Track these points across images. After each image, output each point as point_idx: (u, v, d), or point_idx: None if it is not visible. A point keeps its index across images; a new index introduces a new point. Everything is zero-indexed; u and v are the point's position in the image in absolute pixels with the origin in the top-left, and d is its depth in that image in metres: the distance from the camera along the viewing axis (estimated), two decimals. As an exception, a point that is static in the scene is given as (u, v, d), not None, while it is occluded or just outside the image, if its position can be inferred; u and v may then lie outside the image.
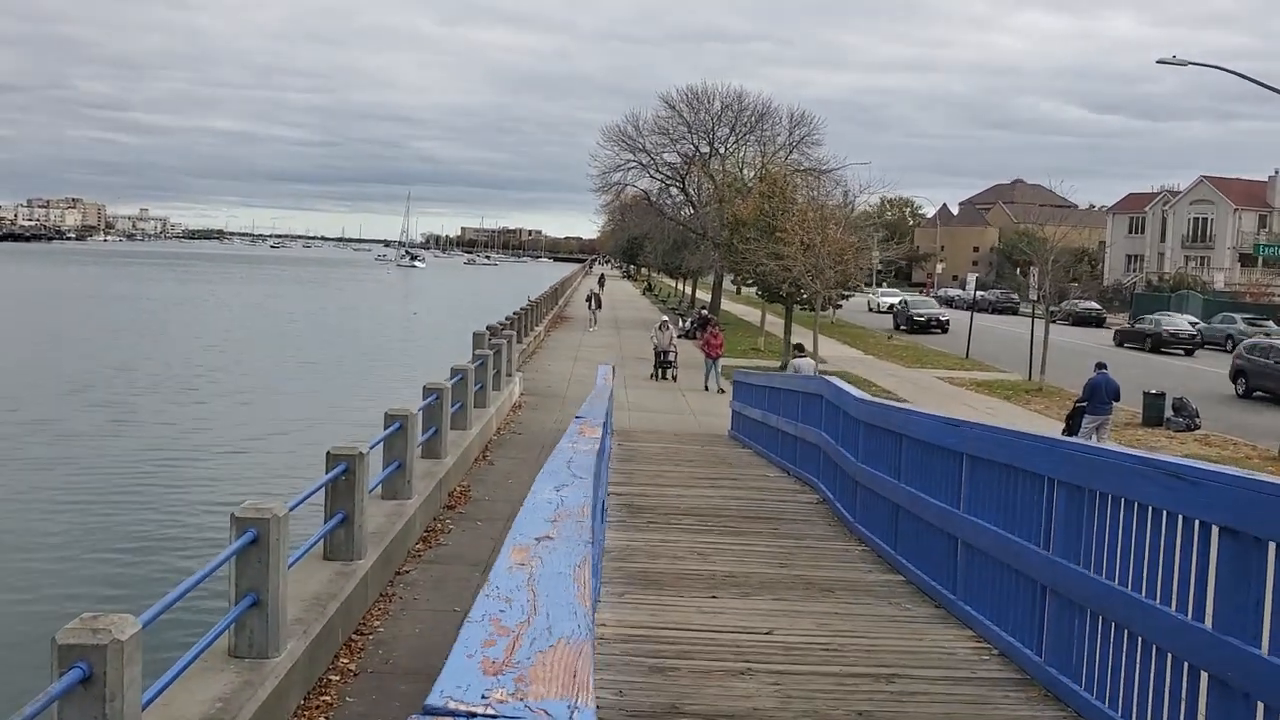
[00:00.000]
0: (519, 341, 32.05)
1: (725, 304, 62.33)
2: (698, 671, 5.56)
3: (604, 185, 57.16)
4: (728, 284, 60.23)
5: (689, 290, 71.70)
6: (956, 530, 7.05)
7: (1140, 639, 4.60)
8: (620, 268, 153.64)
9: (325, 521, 9.59)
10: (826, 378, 12.31)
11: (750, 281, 39.08)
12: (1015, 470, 6.11)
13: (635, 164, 56.22)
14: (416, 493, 12.09)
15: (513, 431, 19.63)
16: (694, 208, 56.54)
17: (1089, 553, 5.18)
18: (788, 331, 35.70)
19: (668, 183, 58.13)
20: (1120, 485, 4.85)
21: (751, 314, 59.11)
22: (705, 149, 55.22)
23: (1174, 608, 4.36)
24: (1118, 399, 20.20)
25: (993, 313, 70.70)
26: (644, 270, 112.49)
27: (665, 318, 32.94)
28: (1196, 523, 4.24)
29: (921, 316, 52.36)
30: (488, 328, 25.54)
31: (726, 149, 55.36)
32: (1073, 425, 20.17)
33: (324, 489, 9.65)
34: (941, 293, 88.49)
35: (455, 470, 14.24)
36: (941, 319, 52.34)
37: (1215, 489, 4.07)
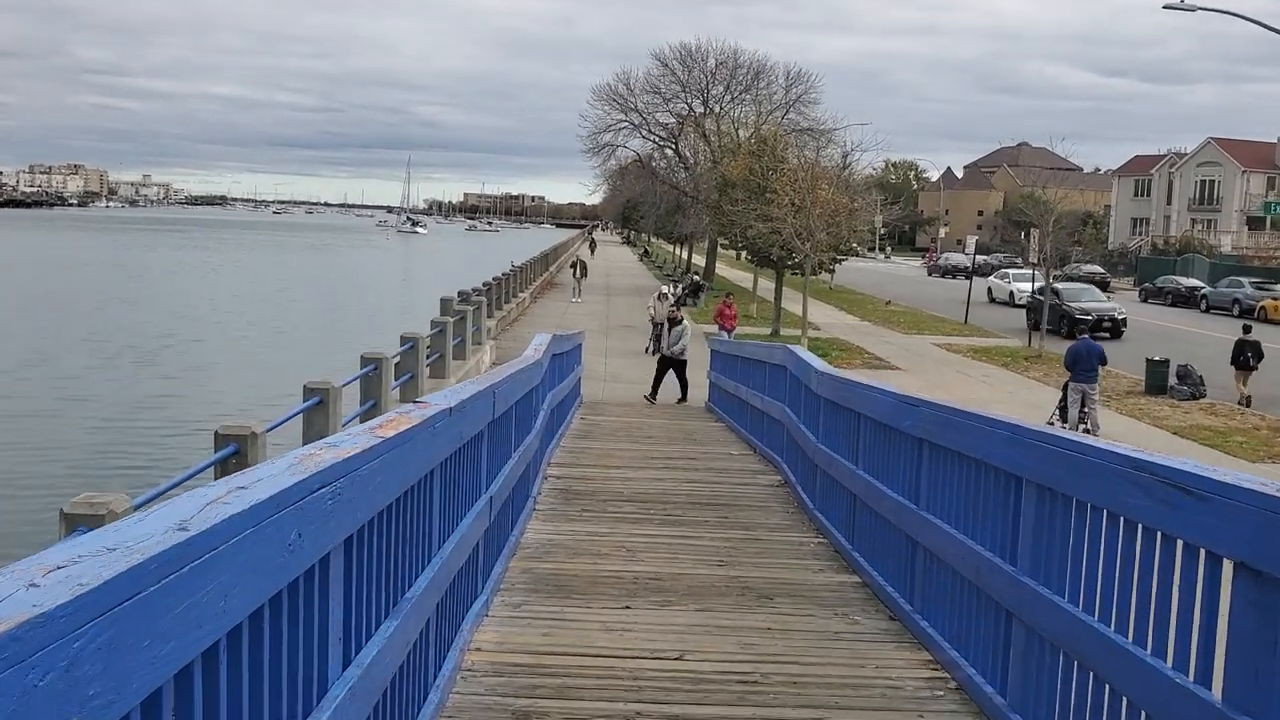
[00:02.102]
0: (499, 308, 30.92)
1: (722, 269, 61.11)
2: (574, 717, 4.44)
3: (595, 147, 55.71)
4: (729, 249, 58.91)
5: (684, 255, 70.35)
6: (913, 530, 5.92)
7: (1124, 699, 3.46)
8: (620, 233, 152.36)
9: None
10: (790, 347, 11.14)
11: (741, 245, 37.82)
12: (978, 463, 4.96)
13: (627, 124, 54.82)
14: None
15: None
16: (687, 169, 55.12)
17: (1062, 575, 4.04)
18: (778, 297, 34.50)
19: (661, 144, 56.67)
20: (1104, 493, 3.70)
21: (749, 279, 57.88)
22: (699, 108, 53.77)
23: (1170, 663, 3.23)
24: (1104, 363, 19.05)
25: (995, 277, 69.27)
26: (642, 235, 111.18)
27: (665, 288, 31.15)
28: (1203, 552, 3.09)
29: (1088, 314, 34.07)
30: (459, 293, 24.36)
31: (721, 108, 53.88)
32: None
33: (213, 471, 8.63)
34: (944, 257, 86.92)
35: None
36: (1117, 316, 35.03)
37: (1232, 509, 2.91)
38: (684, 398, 20.02)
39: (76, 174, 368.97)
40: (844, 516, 7.71)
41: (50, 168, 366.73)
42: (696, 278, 47.19)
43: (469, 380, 5.58)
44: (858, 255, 46.03)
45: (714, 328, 28.19)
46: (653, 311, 27.96)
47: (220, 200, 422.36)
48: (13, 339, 30.43)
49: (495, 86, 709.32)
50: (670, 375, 20.21)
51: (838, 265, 38.10)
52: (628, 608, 6.09)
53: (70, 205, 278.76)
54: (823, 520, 8.44)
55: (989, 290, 44.91)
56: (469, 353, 21.02)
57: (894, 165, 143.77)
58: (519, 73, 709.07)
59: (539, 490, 9.09)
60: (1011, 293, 44.67)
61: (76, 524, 6.15)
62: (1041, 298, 34.44)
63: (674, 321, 20.50)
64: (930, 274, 77.76)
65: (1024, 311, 34.65)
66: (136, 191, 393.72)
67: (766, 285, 42.39)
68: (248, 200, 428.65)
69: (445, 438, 4.17)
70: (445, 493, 4.30)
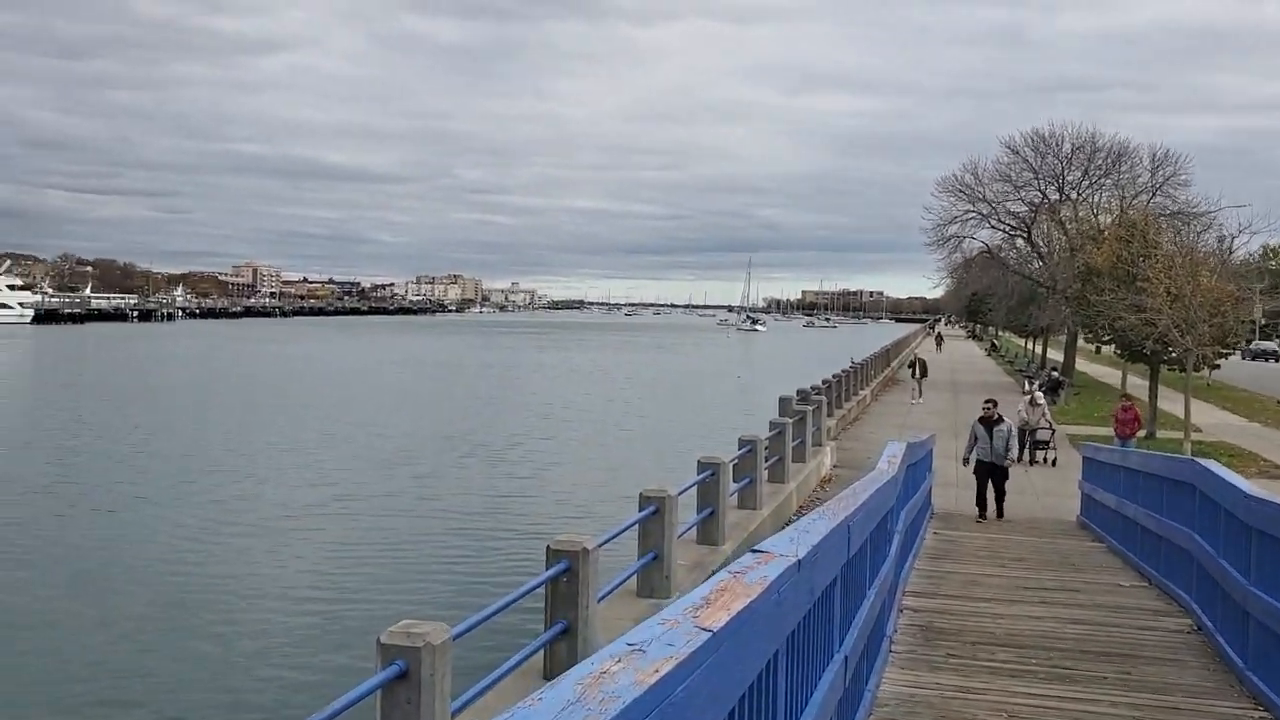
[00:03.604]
0: (839, 407, 29.75)
1: (1080, 364, 56.69)
2: None
3: (939, 239, 53.66)
4: (1083, 342, 54.62)
5: (1038, 349, 66.03)
6: None
7: None
8: (965, 327, 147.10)
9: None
10: (1200, 461, 9.30)
11: (1107, 338, 34.61)
12: None
13: (974, 214, 52.42)
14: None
15: (816, 511, 17.40)
16: (1042, 259, 51.85)
17: None
18: (1153, 396, 31.06)
19: (1012, 234, 53.75)
20: None
21: (1110, 375, 53.28)
22: (1054, 195, 50.56)
23: None
24: None
25: None
26: (989, 329, 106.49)
27: (1037, 393, 27.55)
28: None
29: None
30: (798, 392, 23.53)
31: (1078, 194, 50.39)
32: None
33: (544, 591, 8.17)
34: (1256, 344, 79.50)
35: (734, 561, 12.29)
36: None
37: None
38: (1001, 513, 17.15)
39: (455, 283, 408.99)
40: (1299, 689, 5.99)
41: (434, 278, 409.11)
42: (1055, 374, 43.75)
43: (816, 513, 4.62)
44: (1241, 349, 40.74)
45: (1090, 428, 25.35)
46: (1024, 416, 24.56)
47: (578, 304, 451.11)
48: (388, 438, 32.80)
49: (833, 185, 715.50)
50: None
51: (1222, 360, 33.88)
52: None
53: (449, 311, 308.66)
54: (1262, 686, 6.67)
55: None
56: (809, 455, 20.05)
57: (1273, 250, 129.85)
58: (858, 171, 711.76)
59: (894, 628, 7.91)
60: None
61: (393, 656, 5.75)
62: None
63: (993, 422, 17.25)
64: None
65: None
66: (505, 298, 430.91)
67: (1136, 382, 38.54)
68: (602, 304, 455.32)
69: (793, 602, 3.23)
70: (792, 674, 3.35)
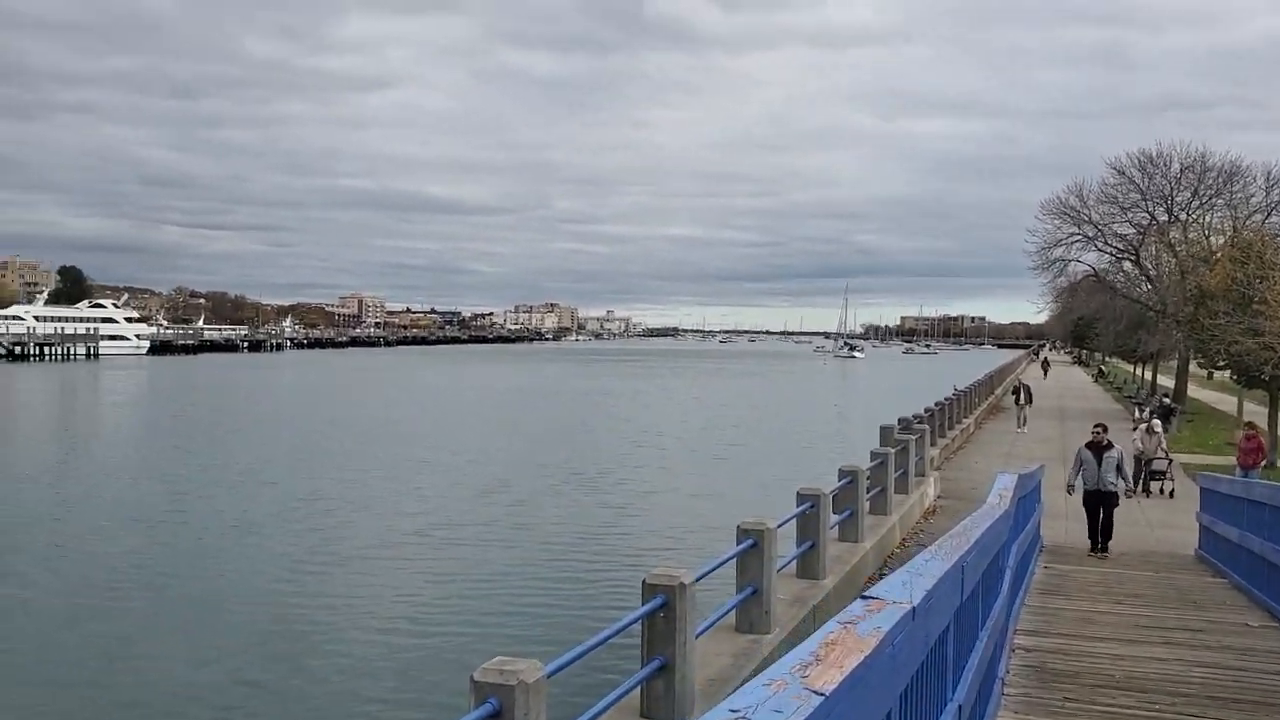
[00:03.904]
0: (942, 436, 29.07)
1: (1191, 390, 54.65)
2: None
3: (1044, 263, 52.30)
4: (1194, 367, 52.67)
5: (1148, 375, 63.90)
6: None
7: None
8: (1070, 353, 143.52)
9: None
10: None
11: (1222, 364, 33.28)
12: None
13: (1080, 237, 51.00)
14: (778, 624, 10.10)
15: (919, 544, 16.92)
16: (1151, 283, 50.19)
17: None
18: (1273, 423, 29.71)
19: (1119, 256, 52.17)
20: None
21: (1224, 402, 51.31)
22: (1163, 217, 48.97)
23: None
24: None
25: None
26: (1095, 355, 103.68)
27: (1156, 419, 26.49)
28: None
29: None
30: (899, 420, 23.02)
31: (1188, 215, 48.71)
32: None
33: (640, 627, 8.00)
34: None
35: (835, 596, 11.98)
36: None
37: None
38: (1106, 547, 16.16)
39: (552, 312, 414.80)
40: None
41: (531, 307, 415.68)
42: (1167, 400, 42.20)
43: (928, 552, 4.39)
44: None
45: (1204, 457, 24.32)
46: (1140, 445, 23.54)
47: (672, 332, 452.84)
48: (484, 465, 33.10)
49: (932, 209, 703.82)
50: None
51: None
52: None
53: (546, 340, 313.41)
54: None
55: None
56: (911, 486, 19.56)
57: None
58: (957, 194, 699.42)
59: (1006, 669, 7.56)
60: None
61: (486, 694, 5.64)
62: None
63: (1102, 447, 16.32)
64: None
65: None
66: (601, 325, 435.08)
67: (1252, 409, 36.93)
68: (696, 331, 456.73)
69: (908, 654, 3.03)
70: (906, 731, 3.13)
